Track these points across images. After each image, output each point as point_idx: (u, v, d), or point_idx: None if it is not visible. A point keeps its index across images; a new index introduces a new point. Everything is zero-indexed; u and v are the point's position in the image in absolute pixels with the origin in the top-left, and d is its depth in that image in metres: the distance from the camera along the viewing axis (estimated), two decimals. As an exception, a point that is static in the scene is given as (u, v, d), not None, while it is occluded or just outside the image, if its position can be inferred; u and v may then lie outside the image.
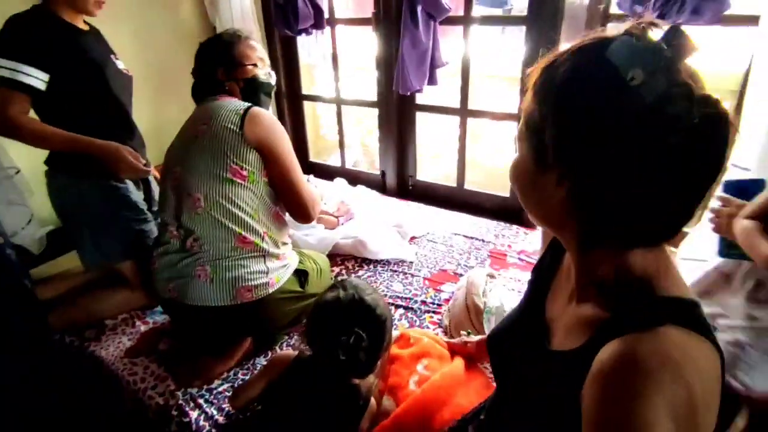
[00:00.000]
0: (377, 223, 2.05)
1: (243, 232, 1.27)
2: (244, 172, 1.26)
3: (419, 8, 1.88)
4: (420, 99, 2.36)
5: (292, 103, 2.84)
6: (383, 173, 2.63)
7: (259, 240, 1.29)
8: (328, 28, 2.42)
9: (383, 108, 2.43)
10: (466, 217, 2.24)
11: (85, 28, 1.53)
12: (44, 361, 1.13)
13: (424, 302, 1.63)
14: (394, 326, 1.51)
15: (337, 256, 1.93)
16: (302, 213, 1.38)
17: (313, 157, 3.07)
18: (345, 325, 0.94)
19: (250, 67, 1.38)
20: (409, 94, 2.16)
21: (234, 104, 1.29)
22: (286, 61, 2.71)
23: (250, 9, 2.37)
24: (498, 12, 2.66)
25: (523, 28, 1.85)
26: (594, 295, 0.62)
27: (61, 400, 1.23)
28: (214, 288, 1.25)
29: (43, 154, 1.50)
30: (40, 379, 1.12)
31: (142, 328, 1.54)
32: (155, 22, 2.22)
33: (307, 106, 3.58)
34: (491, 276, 1.56)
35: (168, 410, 1.24)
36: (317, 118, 3.88)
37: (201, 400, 1.25)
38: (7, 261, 0.99)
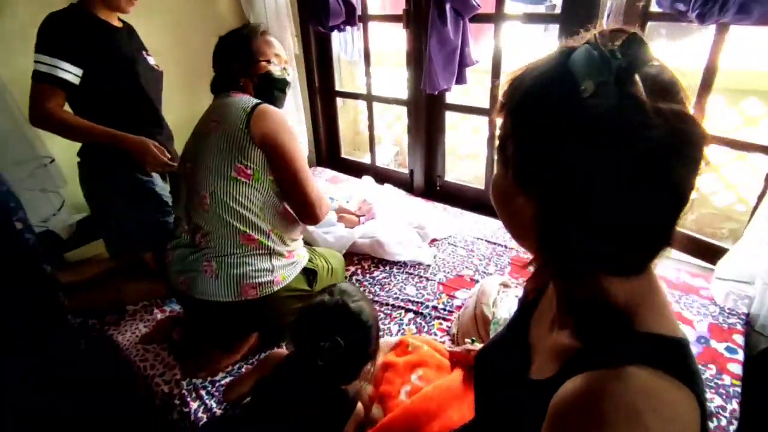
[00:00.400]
0: (397, 224, 2.01)
1: (248, 230, 1.28)
2: (249, 171, 1.26)
3: (447, 6, 1.82)
4: (450, 98, 2.30)
5: (325, 99, 2.85)
6: (411, 172, 2.59)
7: (264, 238, 1.30)
8: (361, 25, 2.41)
9: (413, 106, 2.39)
10: (491, 221, 2.16)
11: (119, 25, 1.59)
12: (58, 342, 1.19)
13: (435, 308, 1.58)
14: (401, 331, 1.49)
15: (354, 255, 1.92)
16: (308, 213, 1.34)
17: (347, 154, 3.08)
18: (325, 330, 0.92)
19: (264, 63, 1.37)
20: (437, 93, 2.10)
21: (243, 101, 1.29)
22: (320, 57, 2.72)
23: (284, 5, 2.40)
24: (540, 9, 2.54)
25: (557, 26, 1.75)
26: (572, 323, 0.58)
27: (77, 382, 1.29)
28: (220, 284, 1.27)
29: (78, 144, 1.58)
30: (54, 360, 1.18)
31: (159, 316, 1.60)
32: (190, 18, 2.29)
33: (349, 103, 3.61)
34: (505, 285, 1.50)
35: (172, 399, 1.28)
36: (358, 114, 3.89)
37: (203, 392, 1.28)
38: (24, 245, 1.05)
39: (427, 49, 1.95)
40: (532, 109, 0.47)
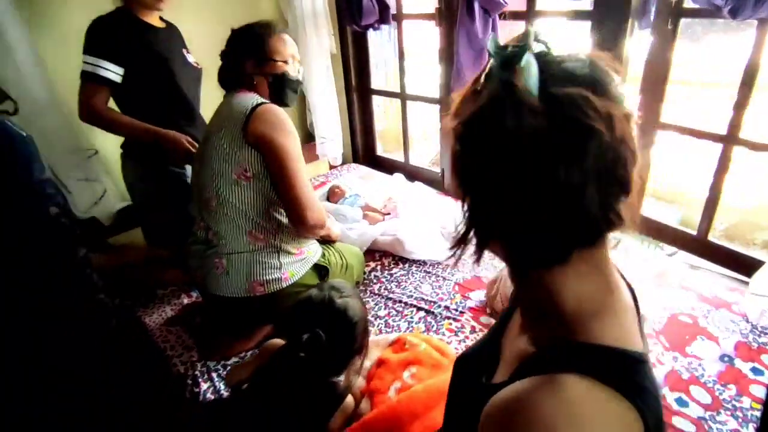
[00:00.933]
0: (420, 222, 2.01)
1: (254, 230, 1.32)
2: (249, 174, 1.28)
3: (476, 3, 1.79)
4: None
5: (361, 97, 2.88)
6: (443, 171, 2.57)
7: (271, 237, 1.34)
8: (395, 23, 2.42)
9: (444, 105, 2.37)
10: None
11: (160, 25, 1.70)
12: (90, 319, 1.30)
13: (447, 308, 1.57)
14: (410, 329, 1.49)
15: (375, 252, 1.94)
16: (296, 215, 1.30)
17: (391, 152, 3.10)
18: (309, 323, 0.95)
19: (281, 63, 1.38)
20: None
21: (246, 101, 1.30)
22: (357, 55, 2.76)
23: (321, 4, 2.45)
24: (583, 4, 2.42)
25: (589, 23, 1.67)
26: (529, 328, 0.57)
27: (103, 354, 1.40)
28: (230, 280, 1.33)
29: (120, 138, 1.71)
30: (84, 333, 1.29)
31: (186, 301, 1.70)
32: (231, 17, 2.37)
33: (394, 102, 3.62)
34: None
35: (185, 378, 1.36)
36: (398, 113, 3.90)
37: (214, 374, 1.35)
38: (59, 229, 1.15)
39: (455, 46, 1.92)
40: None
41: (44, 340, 1.21)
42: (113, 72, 1.57)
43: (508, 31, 1.95)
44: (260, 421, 0.99)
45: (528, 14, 1.85)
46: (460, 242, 0.52)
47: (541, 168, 0.44)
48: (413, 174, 2.66)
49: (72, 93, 1.60)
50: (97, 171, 1.87)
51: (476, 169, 0.47)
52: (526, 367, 0.51)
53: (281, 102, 1.38)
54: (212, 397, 1.28)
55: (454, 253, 0.54)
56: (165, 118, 1.66)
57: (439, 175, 2.59)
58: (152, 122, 1.63)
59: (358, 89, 2.84)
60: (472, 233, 0.51)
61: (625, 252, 1.73)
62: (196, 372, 1.36)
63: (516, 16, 1.90)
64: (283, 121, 1.29)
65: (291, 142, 1.29)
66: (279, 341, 1.14)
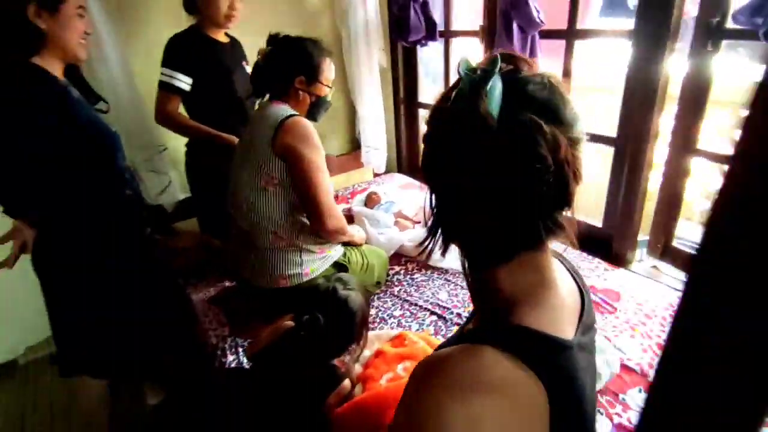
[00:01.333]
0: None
1: (278, 231, 1.47)
2: (275, 181, 1.41)
3: (514, 22, 1.85)
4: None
5: (408, 109, 3.01)
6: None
7: (294, 237, 1.48)
8: (443, 40, 2.52)
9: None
10: (572, 253, 2.10)
11: (225, 40, 1.94)
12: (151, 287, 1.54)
13: (459, 315, 1.63)
14: (420, 330, 1.57)
15: (402, 257, 2.04)
16: (317, 221, 1.42)
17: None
18: (311, 308, 1.07)
19: (327, 87, 1.52)
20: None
21: (278, 113, 1.40)
22: (406, 69, 2.89)
23: (374, 20, 2.61)
24: (623, 25, 2.38)
25: (629, 42, 1.67)
26: (476, 311, 0.67)
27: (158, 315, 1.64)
28: (257, 273, 1.51)
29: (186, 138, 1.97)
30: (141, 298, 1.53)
31: (226, 284, 1.90)
32: (290, 32, 2.62)
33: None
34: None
35: (216, 350, 1.54)
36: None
37: (240, 349, 1.52)
38: (130, 210, 1.40)
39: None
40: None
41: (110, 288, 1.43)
42: (184, 82, 1.82)
43: (545, 50, 1.98)
44: (265, 392, 1.14)
45: (568, 33, 1.88)
46: (429, 237, 0.61)
47: (491, 181, 0.51)
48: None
49: (150, 97, 1.88)
50: (165, 165, 2.16)
51: (437, 175, 0.56)
52: (462, 340, 0.58)
53: (314, 119, 1.53)
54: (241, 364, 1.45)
55: (425, 248, 0.62)
56: (224, 121, 1.90)
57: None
58: (213, 124, 1.87)
59: (405, 102, 2.97)
60: (438, 230, 0.60)
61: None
62: (226, 345, 1.54)
63: (556, 35, 1.93)
64: (310, 134, 1.40)
65: (316, 154, 1.40)
66: (290, 322, 1.28)
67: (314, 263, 1.53)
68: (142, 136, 2.06)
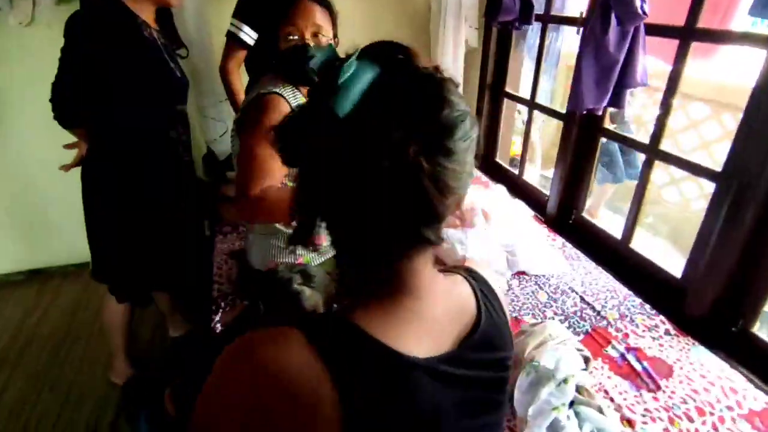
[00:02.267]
0: (485, 240, 1.88)
1: None
2: None
3: (613, 13, 1.53)
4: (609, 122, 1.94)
5: (492, 97, 2.75)
6: (548, 198, 2.31)
7: (282, 225, 1.41)
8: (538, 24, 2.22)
9: (567, 122, 2.11)
10: (602, 274, 1.79)
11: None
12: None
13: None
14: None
15: (432, 255, 1.90)
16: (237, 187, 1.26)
17: (499, 158, 2.93)
18: (261, 293, 1.04)
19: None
20: (585, 112, 1.81)
21: (255, 91, 1.30)
22: (499, 54, 2.62)
23: (470, -4, 2.38)
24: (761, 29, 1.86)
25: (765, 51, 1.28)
26: None
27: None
28: (254, 255, 1.50)
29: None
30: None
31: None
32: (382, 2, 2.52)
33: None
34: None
35: (212, 303, 1.58)
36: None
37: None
38: (181, 159, 1.63)
39: (579, 58, 1.69)
40: None
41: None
42: (248, 35, 1.82)
43: (652, 49, 1.62)
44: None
45: (684, 32, 1.50)
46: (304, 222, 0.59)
47: (333, 182, 0.49)
48: (522, 190, 2.46)
49: (219, 48, 1.93)
50: (223, 114, 2.23)
51: (291, 160, 0.52)
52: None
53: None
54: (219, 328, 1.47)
55: (297, 241, 0.59)
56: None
57: (545, 200, 2.34)
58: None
59: (490, 88, 2.71)
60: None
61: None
62: (222, 303, 1.57)
63: (669, 32, 1.56)
64: (270, 109, 1.21)
65: (258, 130, 1.18)
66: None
67: (309, 255, 1.47)
68: (207, 84, 2.14)
